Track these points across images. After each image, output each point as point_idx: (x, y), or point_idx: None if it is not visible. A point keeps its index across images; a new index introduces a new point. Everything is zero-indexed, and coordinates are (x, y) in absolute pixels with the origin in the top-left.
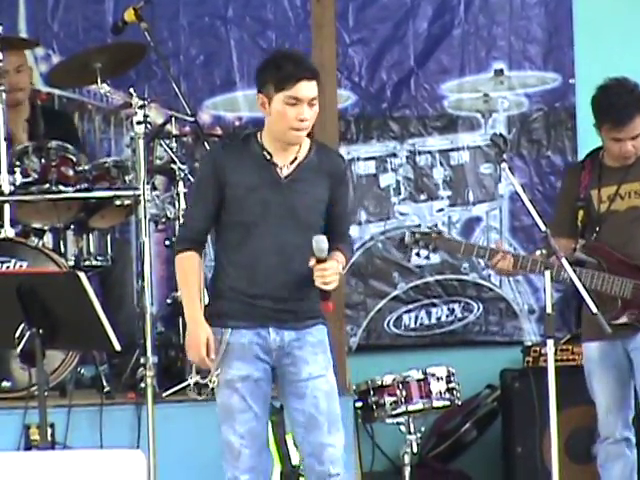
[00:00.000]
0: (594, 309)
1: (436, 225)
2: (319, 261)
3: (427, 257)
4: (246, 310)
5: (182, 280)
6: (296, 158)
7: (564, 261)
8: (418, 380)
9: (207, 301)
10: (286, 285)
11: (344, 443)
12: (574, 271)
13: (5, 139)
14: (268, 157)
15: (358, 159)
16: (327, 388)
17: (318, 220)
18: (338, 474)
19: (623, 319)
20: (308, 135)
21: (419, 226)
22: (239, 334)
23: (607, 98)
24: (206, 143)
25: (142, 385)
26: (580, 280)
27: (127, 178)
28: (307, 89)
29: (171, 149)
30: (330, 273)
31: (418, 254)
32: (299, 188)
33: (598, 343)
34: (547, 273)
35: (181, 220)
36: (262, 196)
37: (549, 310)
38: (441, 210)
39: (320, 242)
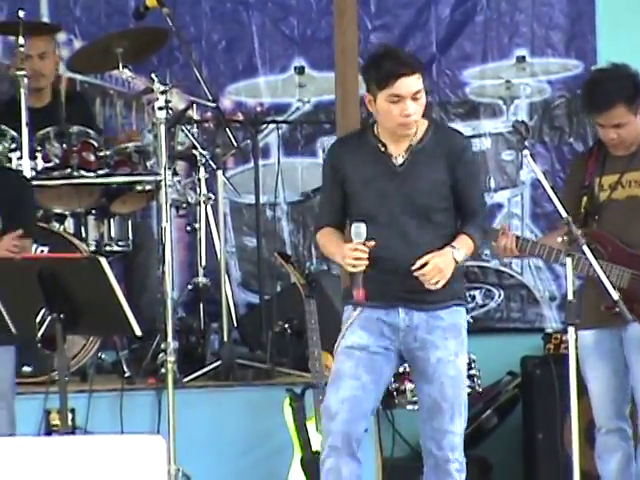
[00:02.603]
0: (615, 296)
1: None
2: (422, 266)
3: None
4: (378, 290)
5: (325, 246)
6: (410, 145)
7: (585, 248)
8: None
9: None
10: (413, 265)
11: None
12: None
13: (27, 124)
14: (382, 148)
15: None
16: (454, 374)
17: (441, 203)
18: (457, 459)
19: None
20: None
21: None
22: (369, 310)
23: (591, 82)
24: (227, 129)
25: (163, 370)
26: (579, 267)
27: (148, 163)
28: (407, 85)
29: (192, 135)
30: (431, 274)
31: None
32: (415, 174)
33: (594, 331)
34: (569, 260)
35: (202, 206)
36: (379, 187)
37: (570, 297)
38: None
39: (356, 228)
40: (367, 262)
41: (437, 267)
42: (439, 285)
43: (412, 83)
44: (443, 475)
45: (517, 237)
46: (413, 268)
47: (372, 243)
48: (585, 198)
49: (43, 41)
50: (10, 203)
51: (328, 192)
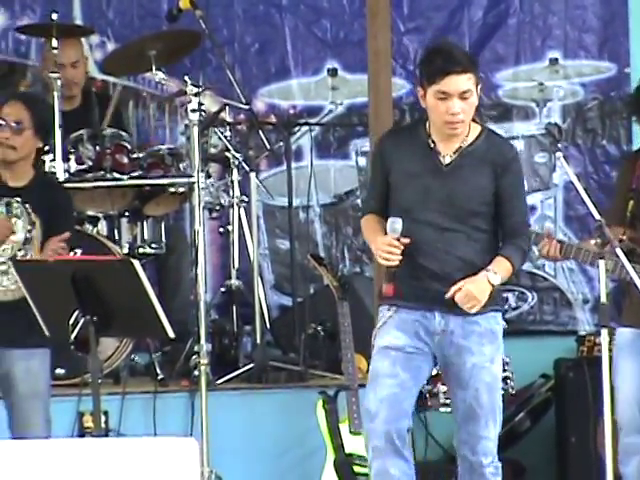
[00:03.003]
0: None
1: None
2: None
3: None
4: (414, 292)
5: (365, 232)
6: (460, 147)
7: (618, 250)
8: None
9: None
10: (449, 271)
11: None
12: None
13: (60, 126)
14: (432, 145)
15: None
16: (489, 380)
17: (481, 208)
18: (491, 464)
19: None
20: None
21: None
22: (405, 311)
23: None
24: (260, 131)
25: (196, 373)
26: (616, 270)
27: (181, 166)
28: (455, 83)
29: (225, 137)
30: (463, 302)
31: None
32: (460, 176)
33: (633, 329)
34: (602, 263)
35: (235, 209)
36: (423, 183)
37: (603, 300)
38: None
39: (392, 223)
40: (400, 258)
41: (470, 295)
42: (473, 310)
43: (461, 82)
44: (478, 478)
45: (560, 242)
46: (447, 296)
47: (407, 240)
48: (632, 202)
49: (74, 50)
50: (50, 212)
51: (374, 181)
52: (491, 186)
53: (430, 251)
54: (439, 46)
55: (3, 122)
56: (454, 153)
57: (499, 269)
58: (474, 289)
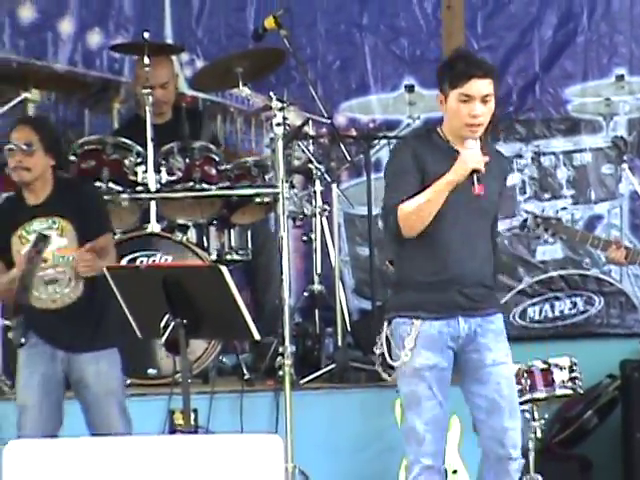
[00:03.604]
0: None
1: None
2: None
3: (546, 241)
4: (437, 300)
5: (416, 202)
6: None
7: None
8: (542, 370)
9: None
10: (474, 272)
11: None
12: None
13: (152, 139)
14: (455, 147)
15: None
16: (508, 374)
17: (495, 209)
18: (519, 457)
19: None
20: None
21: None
22: (430, 324)
23: None
24: (341, 144)
25: (280, 373)
26: None
27: (267, 177)
28: (478, 86)
29: (308, 150)
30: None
31: (538, 237)
32: (483, 179)
33: None
34: None
35: (318, 217)
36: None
37: None
38: (564, 208)
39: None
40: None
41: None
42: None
43: (483, 85)
44: (503, 475)
45: (627, 248)
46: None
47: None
48: None
49: (165, 70)
50: (78, 215)
51: (407, 176)
52: (499, 190)
53: (457, 256)
54: (461, 52)
55: (14, 147)
56: None
57: None
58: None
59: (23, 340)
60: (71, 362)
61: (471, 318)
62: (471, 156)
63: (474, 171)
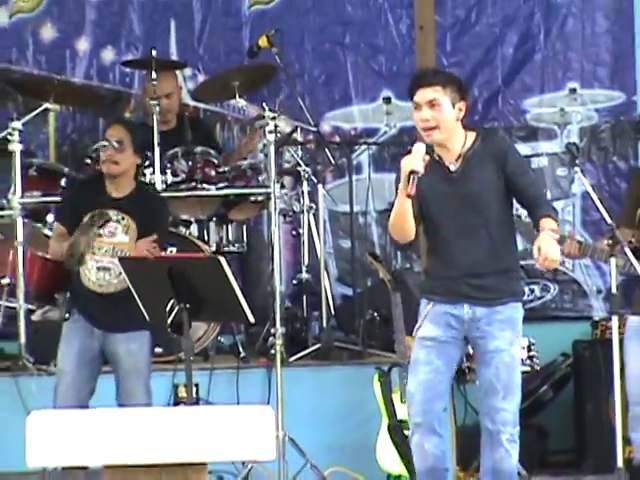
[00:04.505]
0: None
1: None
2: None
3: None
4: (445, 288)
5: (392, 217)
6: (460, 154)
7: (627, 250)
8: None
9: None
10: (476, 264)
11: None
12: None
13: (158, 145)
14: (437, 158)
15: None
16: (508, 360)
17: (494, 196)
18: (507, 431)
19: None
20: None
21: None
22: (439, 306)
23: None
24: (326, 149)
25: (272, 352)
26: (626, 266)
27: (260, 178)
28: (422, 94)
29: (297, 154)
30: (547, 264)
31: None
32: (468, 178)
33: None
34: (613, 260)
35: (305, 214)
36: (440, 191)
37: (614, 290)
38: None
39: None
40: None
41: (549, 241)
42: (556, 257)
43: (427, 92)
44: (496, 445)
45: (579, 242)
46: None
47: (427, 157)
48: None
49: (169, 82)
50: (145, 217)
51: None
52: (499, 176)
53: (458, 249)
54: (418, 70)
55: (107, 142)
56: (456, 160)
57: (551, 225)
58: (549, 238)
59: (67, 315)
60: (106, 339)
61: (476, 306)
62: (407, 160)
63: (412, 172)
